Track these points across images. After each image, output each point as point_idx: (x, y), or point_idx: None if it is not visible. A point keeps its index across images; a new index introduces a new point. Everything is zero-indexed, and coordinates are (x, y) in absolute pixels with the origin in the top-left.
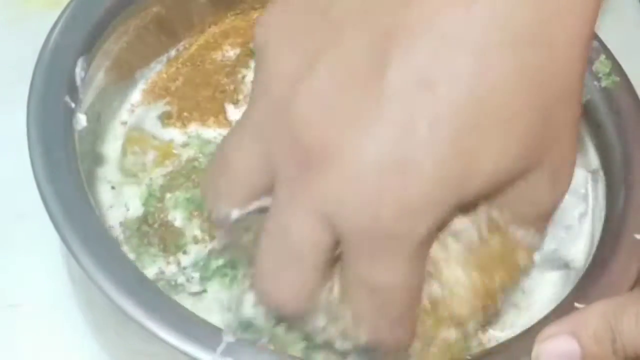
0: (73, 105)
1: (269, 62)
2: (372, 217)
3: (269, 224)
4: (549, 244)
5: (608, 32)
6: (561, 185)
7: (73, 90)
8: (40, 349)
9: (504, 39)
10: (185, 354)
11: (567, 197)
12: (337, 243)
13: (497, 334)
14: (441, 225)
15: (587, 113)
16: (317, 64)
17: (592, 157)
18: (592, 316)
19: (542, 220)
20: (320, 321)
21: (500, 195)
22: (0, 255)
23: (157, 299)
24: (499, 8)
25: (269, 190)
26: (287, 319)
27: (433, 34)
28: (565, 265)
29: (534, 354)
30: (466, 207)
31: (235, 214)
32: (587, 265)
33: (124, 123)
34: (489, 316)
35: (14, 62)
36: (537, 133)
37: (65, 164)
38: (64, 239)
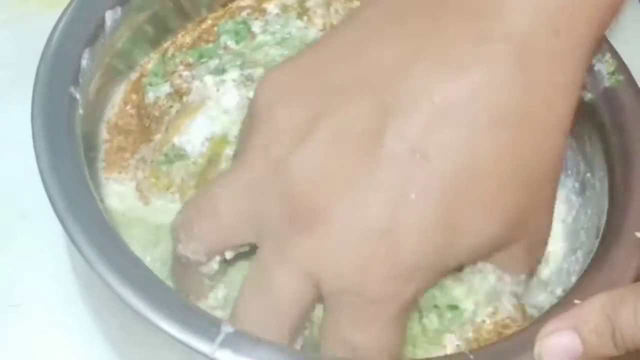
0: (78, 95)
1: (270, 122)
2: (358, 282)
3: (253, 274)
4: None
5: (608, 32)
6: (537, 253)
7: (78, 81)
8: (41, 349)
9: (495, 118)
10: (183, 344)
11: None
12: (318, 299)
13: None
14: (424, 290)
15: (591, 112)
16: (316, 127)
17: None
18: (592, 310)
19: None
20: None
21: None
22: (1, 255)
23: (158, 289)
24: (492, 88)
25: (243, 245)
26: None
27: (428, 107)
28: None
29: (536, 350)
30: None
31: (202, 258)
32: (587, 264)
33: None
34: None
35: (14, 62)
36: (518, 212)
37: (68, 152)
38: (66, 229)
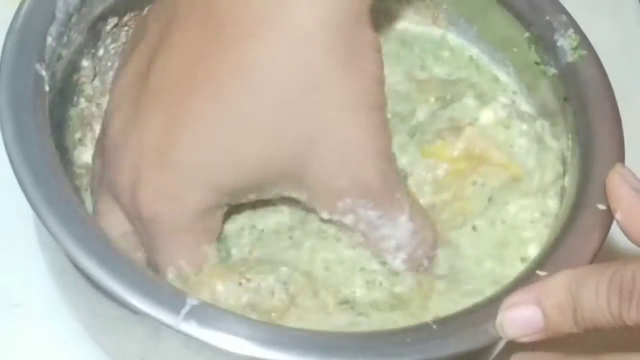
0: (43, 73)
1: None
2: (131, 202)
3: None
4: None
5: (608, 32)
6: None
7: (44, 58)
8: (41, 348)
9: None
10: (148, 316)
11: None
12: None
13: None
14: (212, 207)
15: (554, 87)
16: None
17: None
18: (556, 286)
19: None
20: None
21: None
22: (2, 256)
23: (122, 262)
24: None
25: None
26: None
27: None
28: None
29: (498, 321)
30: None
31: None
32: (550, 235)
33: None
34: None
35: None
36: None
37: (34, 128)
38: (30, 201)
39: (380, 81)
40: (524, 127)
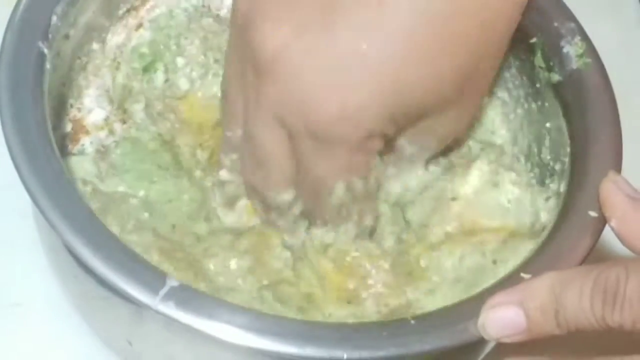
0: (45, 50)
1: None
2: (311, 120)
3: (245, 129)
4: None
5: (608, 32)
6: (463, 124)
7: (47, 37)
8: (41, 348)
9: None
10: (127, 295)
11: None
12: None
13: None
14: (372, 134)
15: (557, 94)
16: None
17: None
18: (540, 287)
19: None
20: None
21: (417, 124)
22: (1, 255)
23: (108, 242)
24: None
25: None
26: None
27: None
28: None
29: (480, 320)
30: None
31: None
32: (540, 239)
33: None
34: None
35: None
36: (465, 75)
37: (31, 104)
38: (22, 179)
39: None
40: (513, 176)
